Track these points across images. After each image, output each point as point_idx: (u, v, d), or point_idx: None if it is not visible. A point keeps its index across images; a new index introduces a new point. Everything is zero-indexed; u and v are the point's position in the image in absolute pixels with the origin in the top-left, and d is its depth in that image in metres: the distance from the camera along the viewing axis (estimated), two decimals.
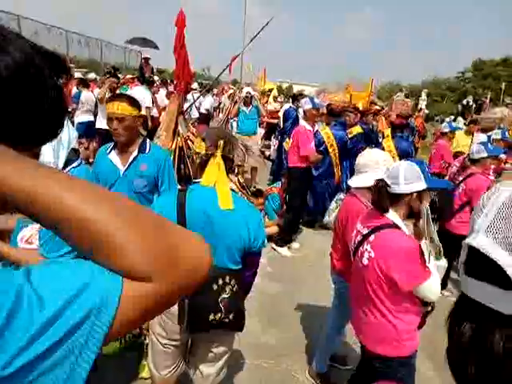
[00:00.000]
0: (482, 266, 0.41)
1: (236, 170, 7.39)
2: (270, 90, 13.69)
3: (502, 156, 6.70)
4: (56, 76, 0.54)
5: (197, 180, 1.86)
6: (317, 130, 5.59)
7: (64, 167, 1.82)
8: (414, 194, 1.87)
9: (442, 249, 1.82)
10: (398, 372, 1.90)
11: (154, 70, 14.67)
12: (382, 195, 1.88)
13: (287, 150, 7.35)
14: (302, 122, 5.03)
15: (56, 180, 0.46)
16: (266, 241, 1.91)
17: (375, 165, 2.33)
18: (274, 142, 8.20)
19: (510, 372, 0.39)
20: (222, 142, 1.77)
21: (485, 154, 3.89)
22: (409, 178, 1.85)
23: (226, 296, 1.74)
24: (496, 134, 6.32)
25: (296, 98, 7.91)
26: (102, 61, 18.43)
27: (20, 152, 0.47)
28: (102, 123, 6.92)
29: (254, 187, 7.29)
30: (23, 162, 0.46)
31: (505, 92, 20.03)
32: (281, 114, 8.32)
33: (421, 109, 18.24)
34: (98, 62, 18.28)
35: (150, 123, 7.95)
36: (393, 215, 1.90)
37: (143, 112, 8.02)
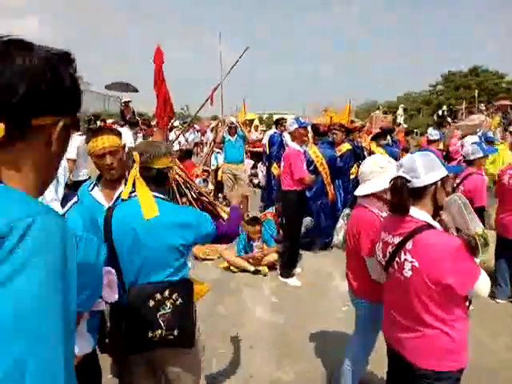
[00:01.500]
0: None
1: (227, 200, 7.28)
2: (251, 121, 13.77)
3: None
4: (69, 66, 0.79)
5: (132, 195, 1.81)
6: (305, 151, 5.51)
7: (64, 203, 1.73)
8: (439, 183, 1.70)
9: (487, 239, 1.63)
10: None
11: (135, 112, 14.66)
12: (403, 193, 1.69)
13: (276, 175, 7.31)
14: (290, 143, 4.93)
15: None
16: (212, 226, 1.84)
17: (380, 169, 2.21)
18: (262, 169, 8.11)
19: None
20: (136, 153, 1.73)
21: (480, 154, 3.87)
22: (429, 167, 1.68)
23: (166, 311, 1.65)
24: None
25: (279, 122, 7.89)
26: (81, 109, 18.46)
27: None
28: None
29: (247, 215, 7.12)
30: None
31: (478, 99, 20.58)
32: (266, 141, 8.29)
33: (400, 123, 18.57)
34: None
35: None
36: (420, 214, 1.70)
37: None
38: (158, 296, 1.65)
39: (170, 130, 10.21)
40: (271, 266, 5.00)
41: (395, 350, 1.86)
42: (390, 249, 1.79)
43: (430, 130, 8.31)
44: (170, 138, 8.90)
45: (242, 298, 4.30)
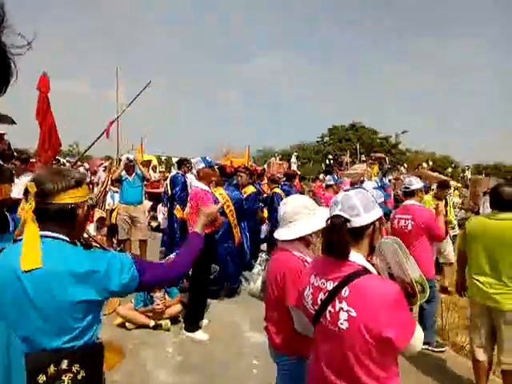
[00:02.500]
0: None
1: (122, 245, 6.54)
2: (149, 162, 13.26)
3: None
4: None
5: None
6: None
7: None
8: (377, 223, 1.57)
9: (424, 284, 1.51)
10: None
11: (11, 147, 12.85)
12: (343, 234, 1.51)
13: (179, 218, 6.86)
14: (196, 183, 4.60)
15: None
16: (132, 270, 1.42)
17: (304, 209, 2.02)
18: (163, 211, 7.57)
19: None
20: (32, 184, 1.35)
21: (382, 199, 4.11)
22: (366, 205, 1.55)
23: None
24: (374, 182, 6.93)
25: (182, 163, 7.56)
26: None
27: None
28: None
29: None
30: None
31: (359, 151, 23.17)
32: (167, 181, 7.87)
33: (294, 170, 19.81)
34: None
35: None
36: (356, 256, 1.53)
37: None
38: (52, 368, 1.27)
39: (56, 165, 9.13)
40: (174, 319, 4.46)
41: None
42: (321, 296, 1.58)
43: (327, 177, 8.90)
44: None
45: (142, 360, 3.67)
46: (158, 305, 4.29)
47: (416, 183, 4.29)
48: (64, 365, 1.30)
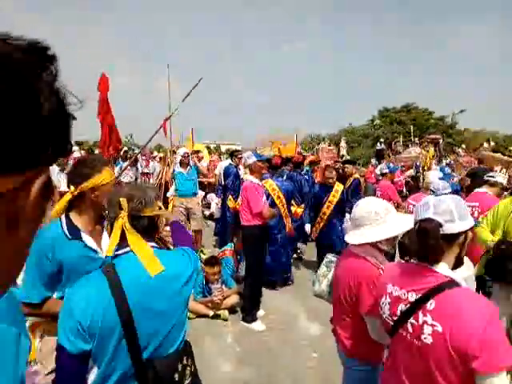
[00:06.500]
0: None
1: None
2: (197, 152, 13.51)
3: None
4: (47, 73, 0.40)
5: (120, 251, 1.44)
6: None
7: None
8: (469, 233, 1.47)
9: None
10: None
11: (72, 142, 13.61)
12: (436, 238, 1.42)
13: (231, 208, 7.00)
14: (248, 177, 4.66)
15: None
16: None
17: (375, 216, 1.94)
18: (216, 200, 7.77)
19: None
20: (123, 199, 1.43)
21: (449, 190, 3.99)
22: (461, 212, 1.45)
23: (188, 381, 1.44)
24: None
25: (234, 154, 7.68)
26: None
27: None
28: None
29: (201, 251, 6.68)
30: None
31: (413, 134, 22.07)
32: (218, 172, 8.05)
33: (343, 155, 19.33)
34: None
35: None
36: (442, 267, 1.44)
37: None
38: (180, 367, 1.41)
39: (114, 161, 9.60)
40: (232, 309, 4.59)
41: None
42: (401, 307, 1.50)
43: (381, 165, 8.61)
44: (116, 171, 8.33)
45: (202, 349, 3.84)
46: (216, 296, 4.44)
47: (502, 179, 4.12)
48: (184, 361, 1.45)
